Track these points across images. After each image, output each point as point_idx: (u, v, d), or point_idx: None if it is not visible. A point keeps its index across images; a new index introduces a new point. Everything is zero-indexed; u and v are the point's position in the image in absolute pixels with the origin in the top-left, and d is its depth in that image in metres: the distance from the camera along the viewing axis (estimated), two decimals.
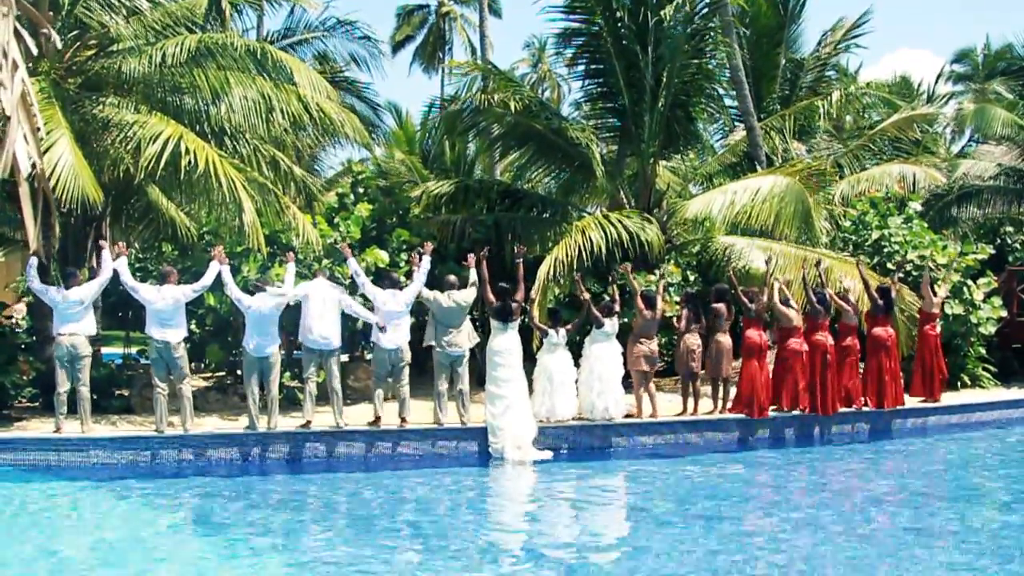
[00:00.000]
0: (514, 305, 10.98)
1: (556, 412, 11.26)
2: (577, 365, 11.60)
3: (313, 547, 7.42)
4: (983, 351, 15.57)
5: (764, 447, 11.92)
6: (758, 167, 16.76)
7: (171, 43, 11.26)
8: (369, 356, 12.44)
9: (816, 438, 12.41)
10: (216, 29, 14.26)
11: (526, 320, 11.67)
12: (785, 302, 12.27)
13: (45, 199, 10.35)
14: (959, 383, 15.00)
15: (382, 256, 13.19)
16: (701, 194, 16.94)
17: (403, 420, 10.84)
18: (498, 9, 38.02)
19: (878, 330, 12.83)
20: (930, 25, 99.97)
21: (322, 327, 10.60)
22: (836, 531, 7.96)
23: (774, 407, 12.23)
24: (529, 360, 11.48)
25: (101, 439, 10.04)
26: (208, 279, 10.50)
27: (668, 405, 12.26)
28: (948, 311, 14.54)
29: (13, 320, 12.24)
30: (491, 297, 11.03)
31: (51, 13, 11.26)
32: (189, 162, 10.56)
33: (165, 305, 10.19)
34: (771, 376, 12.20)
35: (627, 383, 11.69)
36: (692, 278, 14.44)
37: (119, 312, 15.48)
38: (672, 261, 14.55)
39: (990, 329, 15.15)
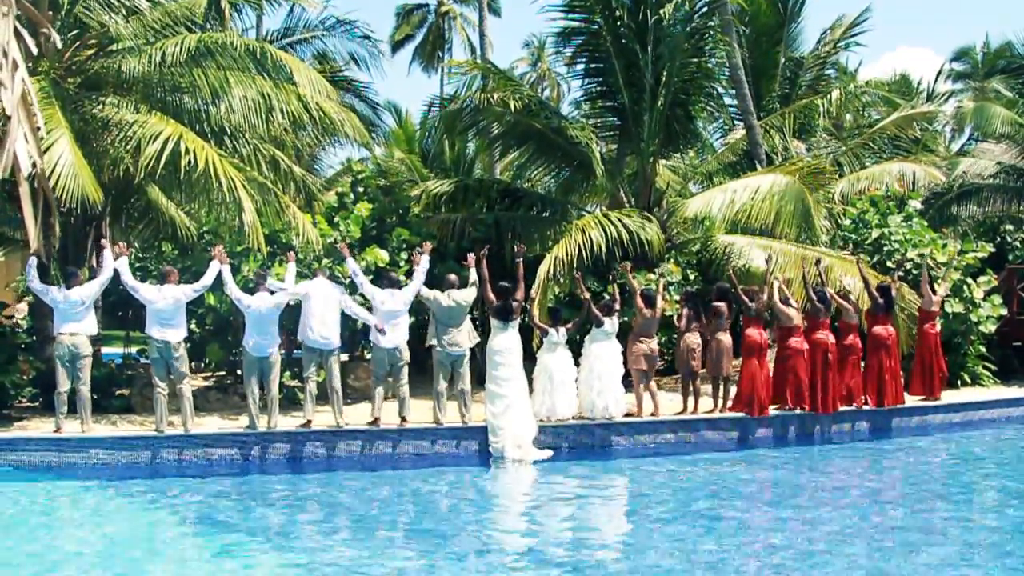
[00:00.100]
0: (514, 304, 10.99)
1: (556, 411, 11.27)
2: (577, 364, 11.61)
3: (313, 546, 7.43)
4: (983, 349, 15.57)
5: (764, 446, 11.92)
6: (758, 166, 16.76)
7: (171, 43, 11.26)
8: (369, 355, 12.46)
9: (816, 437, 12.41)
10: (215, 28, 14.25)
11: (526, 319, 11.67)
12: (785, 301, 12.26)
13: (45, 199, 10.36)
14: (959, 381, 15.00)
15: (382, 255, 13.19)
16: (701, 193, 16.95)
17: (403, 420, 10.85)
18: (497, 8, 37.96)
19: (878, 329, 12.83)
20: (930, 23, 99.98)
21: (322, 326, 10.60)
22: (836, 530, 7.96)
23: (775, 406, 12.23)
24: (529, 359, 11.48)
25: (101, 439, 10.05)
26: (209, 279, 10.50)
27: (668, 404, 12.26)
28: (948, 309, 14.55)
29: (13, 320, 12.24)
30: (491, 296, 11.03)
31: (51, 13, 11.26)
32: (189, 162, 10.56)
33: (166, 305, 10.19)
34: (771, 375, 12.21)
35: (627, 382, 11.69)
36: (692, 277, 14.45)
37: (119, 312, 15.49)
38: (672, 260, 14.55)
39: (990, 327, 15.15)
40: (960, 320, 14.84)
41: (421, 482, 9.78)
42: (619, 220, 14.18)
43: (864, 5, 30.15)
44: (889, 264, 14.84)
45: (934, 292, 13.84)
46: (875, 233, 15.69)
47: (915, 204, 16.80)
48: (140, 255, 15.17)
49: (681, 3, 14.68)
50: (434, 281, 11.45)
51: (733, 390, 12.21)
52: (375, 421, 10.78)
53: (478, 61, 21.94)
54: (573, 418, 11.46)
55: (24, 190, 9.82)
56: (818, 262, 13.16)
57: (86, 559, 7.03)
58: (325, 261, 12.25)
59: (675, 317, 12.67)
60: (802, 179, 14.42)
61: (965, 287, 14.96)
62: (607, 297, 12.19)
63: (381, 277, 11.45)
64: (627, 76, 15.48)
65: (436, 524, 8.16)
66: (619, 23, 15.38)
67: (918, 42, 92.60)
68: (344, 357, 12.88)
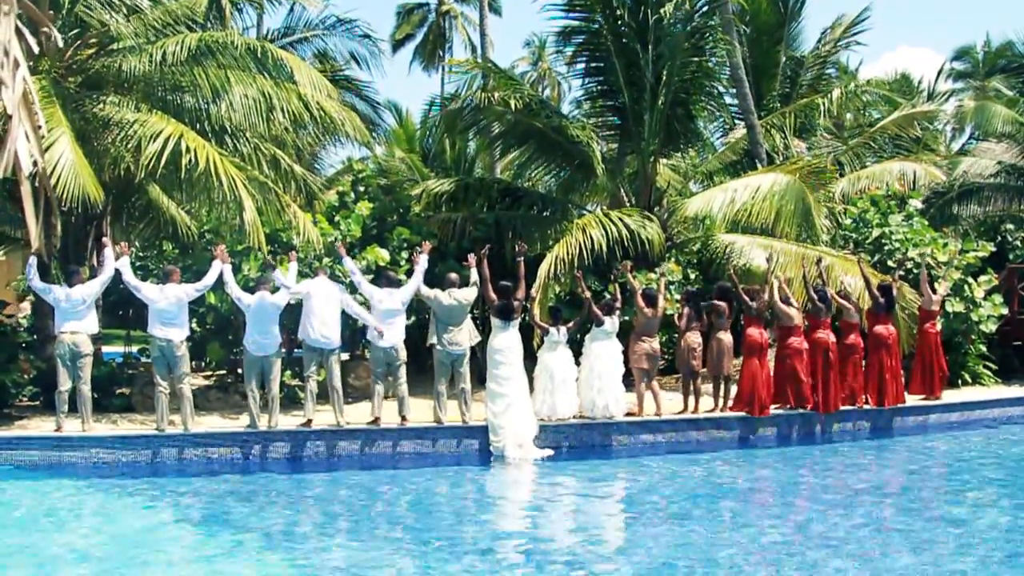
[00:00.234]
0: (515, 303, 10.99)
1: (557, 410, 11.27)
2: (578, 363, 11.61)
3: (313, 546, 7.42)
4: (984, 349, 15.57)
5: (765, 445, 11.92)
6: (758, 165, 16.75)
7: (171, 42, 11.27)
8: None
9: (817, 436, 12.41)
10: (216, 27, 14.25)
11: (527, 318, 11.67)
12: (786, 300, 12.26)
13: (46, 198, 10.36)
14: (960, 381, 14.99)
15: (383, 255, 13.20)
16: (701, 192, 16.94)
17: (403, 419, 10.85)
18: (498, 7, 38.00)
19: (879, 328, 12.83)
20: (930, 23, 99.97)
21: (323, 326, 10.61)
22: (837, 529, 7.96)
23: (776, 405, 12.23)
24: (530, 358, 11.48)
25: (102, 437, 10.05)
26: (211, 278, 10.50)
27: (669, 403, 12.25)
28: (949, 309, 14.55)
29: (13, 319, 12.25)
30: (492, 295, 11.03)
31: (52, 12, 11.26)
32: (189, 161, 10.56)
33: (168, 304, 10.20)
34: (772, 374, 12.20)
35: (627, 381, 11.69)
36: (693, 276, 14.44)
37: (119, 311, 15.49)
38: (673, 259, 14.55)
39: (991, 327, 15.15)
40: (961, 319, 14.83)
41: (422, 481, 9.78)
42: (620, 219, 14.19)
43: (864, 4, 30.07)
44: (890, 263, 14.83)
45: (934, 291, 13.84)
46: (876, 232, 15.68)
47: (916, 203, 16.79)
48: (141, 254, 15.20)
49: (681, 2, 14.67)
50: (435, 280, 11.45)
51: (734, 389, 12.21)
52: (375, 420, 10.78)
53: (479, 60, 21.93)
54: (574, 417, 11.46)
55: (25, 189, 9.82)
56: (819, 261, 13.16)
57: (86, 558, 7.03)
58: (326, 260, 12.25)
59: (675, 316, 12.67)
60: (803, 178, 14.42)
61: (966, 286, 14.96)
62: (608, 296, 12.18)
63: (380, 276, 11.45)
64: (628, 75, 15.48)
65: (437, 523, 8.16)
66: (620, 22, 15.38)
67: (918, 41, 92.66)
68: (344, 356, 12.88)
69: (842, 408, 12.50)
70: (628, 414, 11.65)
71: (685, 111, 16.08)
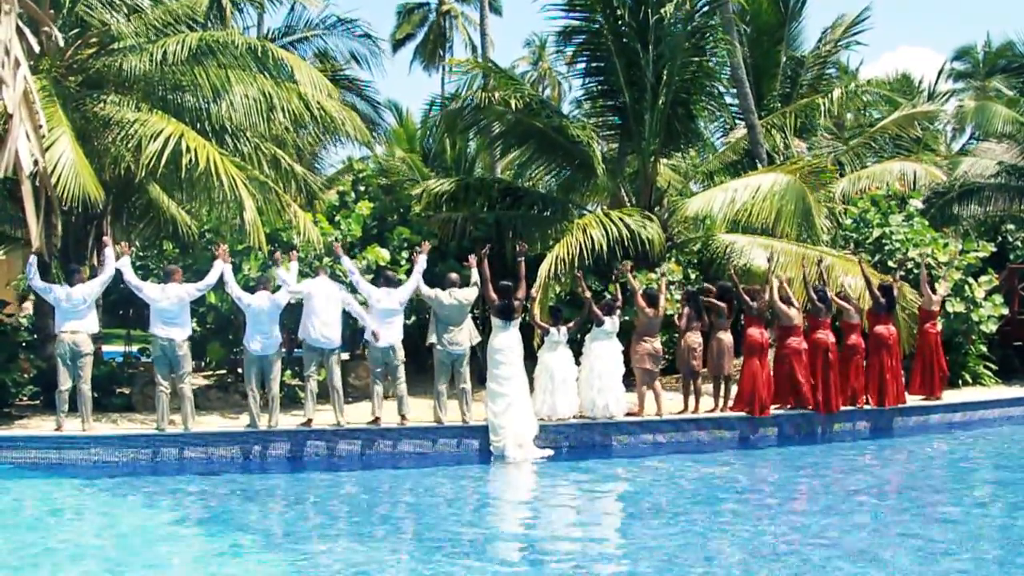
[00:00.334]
0: (515, 303, 10.98)
1: (557, 410, 11.27)
2: (578, 363, 11.61)
3: (314, 545, 7.42)
4: (984, 349, 15.57)
5: (765, 445, 11.92)
6: (759, 165, 16.75)
7: (172, 41, 11.27)
8: None
9: (818, 436, 12.41)
10: (217, 27, 14.26)
11: (527, 318, 11.67)
12: (787, 300, 12.25)
13: (47, 197, 10.36)
14: (960, 381, 15.00)
15: (383, 254, 13.20)
16: (702, 192, 16.95)
17: (402, 418, 10.85)
18: (498, 7, 38.02)
19: (880, 328, 12.82)
20: (930, 23, 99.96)
21: (324, 326, 10.61)
22: (837, 529, 7.96)
23: (776, 405, 12.23)
24: (530, 358, 11.48)
25: (102, 437, 10.05)
26: (212, 278, 10.50)
27: (669, 403, 12.25)
28: (949, 309, 14.55)
29: (13, 318, 12.25)
30: (492, 295, 11.02)
31: (52, 11, 11.26)
32: (190, 160, 10.56)
33: (170, 304, 10.20)
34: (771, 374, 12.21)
35: (628, 381, 11.69)
36: (693, 276, 14.44)
37: (120, 310, 15.50)
38: (673, 259, 14.55)
39: (991, 327, 15.16)
40: (961, 320, 14.83)
41: (422, 481, 9.78)
42: (620, 219, 14.19)
43: (864, 4, 30.09)
44: (890, 264, 14.84)
45: (934, 291, 13.84)
46: (876, 232, 15.69)
47: (916, 203, 16.79)
48: (141, 254, 15.19)
49: (682, 2, 14.68)
50: (435, 280, 11.45)
51: (734, 389, 12.21)
52: (376, 420, 10.78)
53: (479, 60, 21.94)
54: (574, 417, 11.46)
55: (26, 188, 9.82)
56: (819, 262, 13.16)
57: (86, 558, 7.02)
58: (326, 260, 12.25)
59: (676, 316, 12.67)
60: (803, 178, 14.43)
61: (966, 287, 14.96)
62: (608, 296, 12.17)
63: (379, 276, 11.46)
64: (628, 75, 15.48)
65: (437, 523, 8.15)
66: (620, 22, 15.38)
67: (918, 41, 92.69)
68: (345, 356, 12.88)
69: (843, 408, 12.50)
70: (628, 414, 11.65)
71: (686, 111, 16.07)
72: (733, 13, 17.31)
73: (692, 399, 12.04)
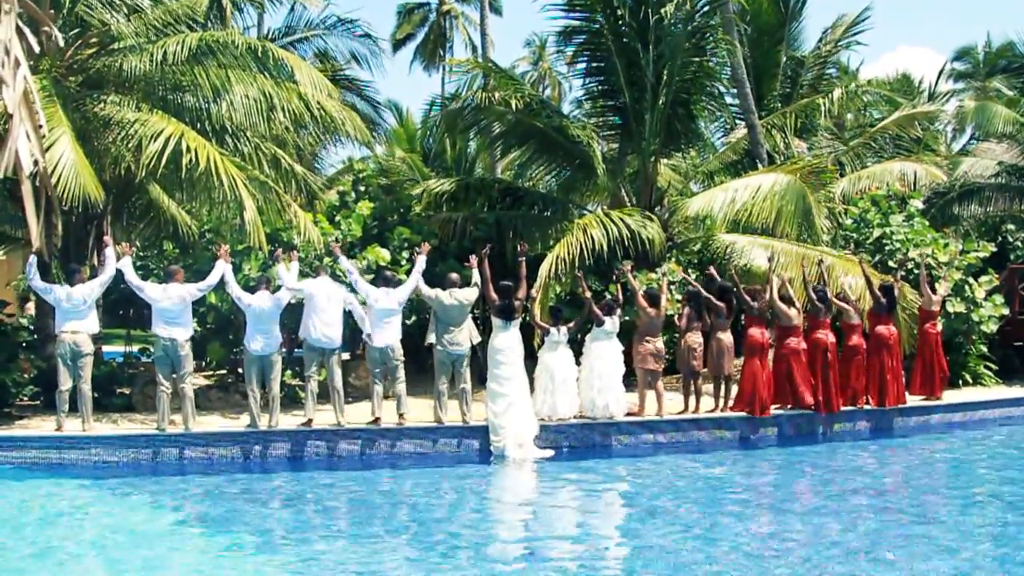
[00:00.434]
0: (516, 303, 10.98)
1: (558, 410, 11.27)
2: (578, 363, 11.61)
3: (314, 545, 7.41)
4: (984, 349, 15.57)
5: (766, 445, 11.92)
6: (759, 165, 16.76)
7: (172, 41, 11.27)
8: None
9: (818, 436, 12.40)
10: (217, 27, 14.26)
11: (527, 318, 11.67)
12: (788, 300, 12.24)
13: (47, 197, 10.36)
14: (960, 381, 14.99)
15: (383, 254, 13.20)
16: (702, 192, 16.95)
17: (401, 417, 10.85)
18: (499, 7, 38.03)
19: (880, 328, 12.82)
20: (930, 23, 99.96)
21: (325, 326, 10.61)
22: (837, 529, 7.96)
23: (776, 405, 12.23)
24: (530, 358, 11.48)
25: (103, 437, 10.05)
26: (214, 278, 10.49)
27: (670, 403, 12.25)
28: (950, 309, 14.54)
29: (14, 318, 12.25)
30: (493, 295, 11.02)
31: (52, 11, 11.26)
32: (190, 160, 10.56)
33: (171, 304, 10.20)
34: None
35: (628, 381, 11.69)
36: (693, 276, 14.43)
37: (120, 310, 15.51)
38: (673, 259, 14.55)
39: (991, 327, 15.15)
40: (961, 320, 14.83)
41: (422, 481, 9.78)
42: (620, 219, 14.19)
43: (864, 4, 30.06)
44: (891, 264, 14.84)
45: (934, 292, 13.84)
46: (876, 233, 15.68)
47: (916, 203, 16.78)
48: (142, 254, 15.20)
49: (682, 2, 14.67)
50: (435, 280, 11.45)
51: (734, 389, 12.21)
52: (376, 420, 10.78)
53: (479, 60, 21.95)
54: (574, 417, 11.46)
55: (26, 189, 9.81)
56: (820, 262, 13.15)
57: (86, 558, 7.03)
58: (327, 260, 12.26)
59: (676, 316, 12.66)
60: (803, 178, 14.43)
61: (966, 287, 14.95)
62: (608, 296, 12.17)
63: (378, 276, 11.46)
64: (628, 75, 15.48)
65: (437, 523, 8.16)
66: (620, 22, 15.38)
67: (919, 42, 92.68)
68: (345, 356, 12.89)
69: (843, 408, 12.49)
70: (629, 414, 11.65)
71: (686, 111, 16.07)
72: (733, 13, 17.30)
73: (692, 399, 12.03)
